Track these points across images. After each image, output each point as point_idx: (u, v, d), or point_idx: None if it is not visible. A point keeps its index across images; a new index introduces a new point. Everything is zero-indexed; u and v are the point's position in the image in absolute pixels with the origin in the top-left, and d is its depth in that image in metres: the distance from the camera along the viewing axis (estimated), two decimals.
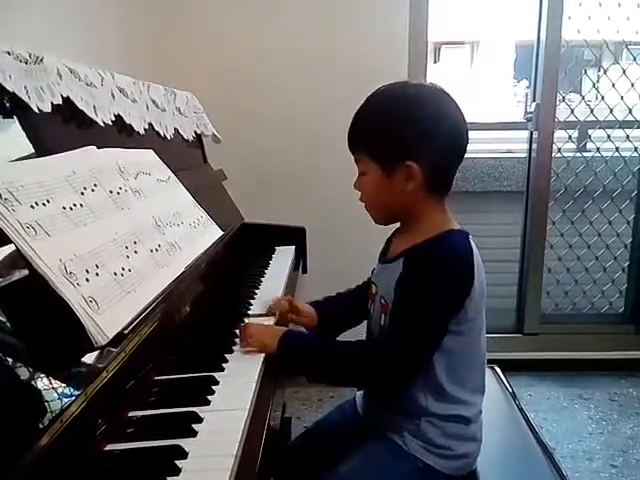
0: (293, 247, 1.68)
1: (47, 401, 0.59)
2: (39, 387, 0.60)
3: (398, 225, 1.03)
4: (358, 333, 1.08)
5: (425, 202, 0.94)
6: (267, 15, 2.14)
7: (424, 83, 0.98)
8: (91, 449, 0.65)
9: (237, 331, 0.99)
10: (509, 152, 2.82)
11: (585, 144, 2.54)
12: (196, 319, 1.02)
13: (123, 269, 0.81)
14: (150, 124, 1.30)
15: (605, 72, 2.48)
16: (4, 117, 0.80)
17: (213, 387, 0.81)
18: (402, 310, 0.90)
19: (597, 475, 1.81)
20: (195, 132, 1.66)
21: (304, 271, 1.68)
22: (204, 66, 2.11)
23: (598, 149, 2.50)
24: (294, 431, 1.59)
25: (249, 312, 1.15)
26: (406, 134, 0.90)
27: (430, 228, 0.93)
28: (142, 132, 1.23)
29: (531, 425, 1.18)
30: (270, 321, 1.07)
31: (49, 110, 0.86)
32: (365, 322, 1.09)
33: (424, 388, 0.93)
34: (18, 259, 0.66)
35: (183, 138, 1.54)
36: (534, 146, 2.39)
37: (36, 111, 0.83)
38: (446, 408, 0.93)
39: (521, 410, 1.23)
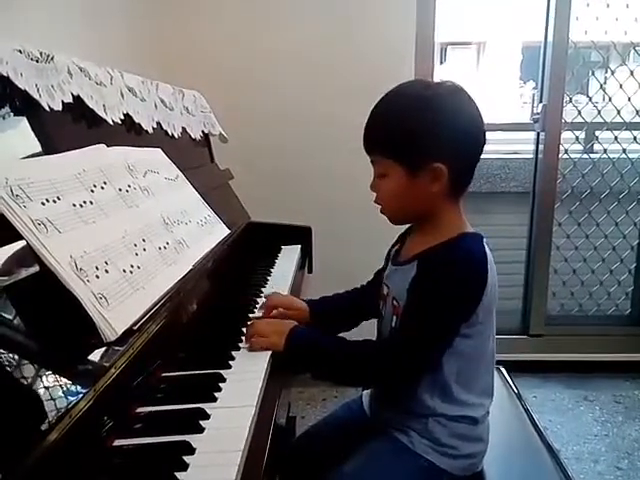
0: (299, 246, 1.69)
1: (56, 397, 0.59)
2: (48, 383, 0.60)
3: (407, 225, 1.03)
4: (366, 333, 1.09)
5: (444, 203, 0.93)
6: (273, 16, 2.14)
7: (443, 81, 0.94)
8: (99, 445, 0.65)
9: (244, 329, 1.00)
10: (515, 153, 2.82)
11: (592, 145, 2.53)
12: (203, 317, 1.02)
13: (132, 266, 0.81)
14: (158, 123, 1.30)
15: (612, 73, 2.47)
16: (15, 115, 0.81)
17: (220, 384, 0.81)
18: (414, 311, 0.90)
19: (602, 477, 1.80)
20: (202, 131, 1.67)
21: (310, 270, 1.69)
22: (211, 66, 2.12)
23: (605, 150, 2.50)
24: (298, 430, 1.59)
25: (251, 316, 1.12)
26: (432, 135, 0.88)
27: (446, 231, 0.92)
28: (150, 131, 1.24)
29: (537, 426, 1.17)
30: None
31: (60, 108, 0.87)
32: (374, 322, 1.08)
33: (431, 389, 0.92)
34: (29, 256, 0.67)
35: (191, 137, 1.55)
36: (541, 147, 2.38)
37: (47, 109, 0.84)
38: (453, 409, 0.93)
39: (527, 411, 1.23)
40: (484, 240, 0.93)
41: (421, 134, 0.88)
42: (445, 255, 0.90)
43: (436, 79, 0.96)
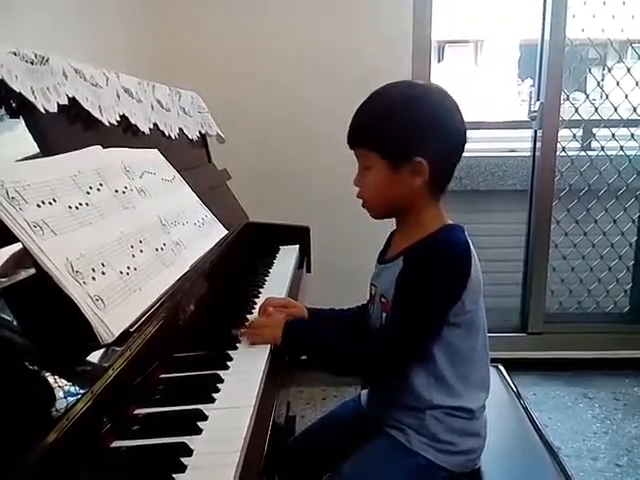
0: (297, 246, 1.69)
1: (54, 399, 0.59)
2: (46, 385, 0.60)
3: (397, 224, 1.04)
4: None
5: (425, 198, 0.96)
6: (270, 15, 2.14)
7: (428, 82, 1.01)
8: (97, 446, 0.65)
9: (242, 330, 1.00)
10: (513, 151, 2.81)
11: (589, 143, 2.53)
12: (201, 318, 1.02)
13: (129, 268, 0.81)
14: (155, 124, 1.30)
15: (610, 71, 2.48)
16: (10, 117, 0.80)
17: (218, 385, 0.81)
18: (403, 301, 0.92)
19: (602, 474, 1.81)
20: (199, 132, 1.66)
21: (308, 270, 1.69)
22: (208, 66, 2.12)
23: (602, 148, 2.50)
24: (298, 430, 1.59)
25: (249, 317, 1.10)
26: (416, 131, 0.92)
27: (429, 225, 0.96)
28: (147, 132, 1.24)
29: (535, 424, 1.18)
30: None
31: (55, 110, 0.87)
32: None
33: (428, 381, 0.94)
34: (25, 258, 0.67)
35: (188, 138, 1.55)
36: (538, 145, 2.38)
37: (42, 111, 0.83)
38: (450, 400, 0.94)
39: (525, 409, 1.23)
40: (465, 231, 0.96)
41: (405, 128, 0.91)
42: (430, 247, 0.93)
43: (431, 79, 0.98)
